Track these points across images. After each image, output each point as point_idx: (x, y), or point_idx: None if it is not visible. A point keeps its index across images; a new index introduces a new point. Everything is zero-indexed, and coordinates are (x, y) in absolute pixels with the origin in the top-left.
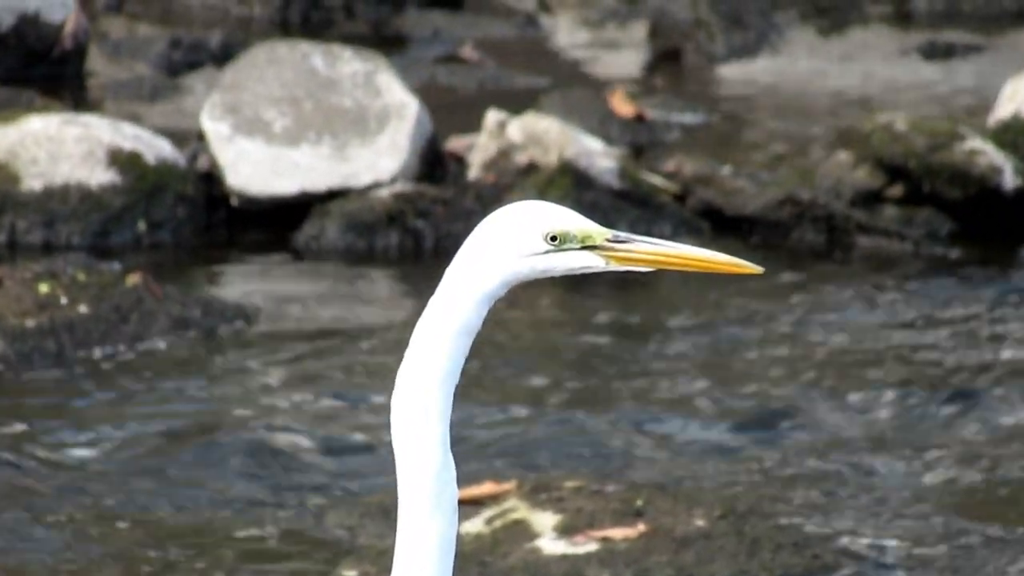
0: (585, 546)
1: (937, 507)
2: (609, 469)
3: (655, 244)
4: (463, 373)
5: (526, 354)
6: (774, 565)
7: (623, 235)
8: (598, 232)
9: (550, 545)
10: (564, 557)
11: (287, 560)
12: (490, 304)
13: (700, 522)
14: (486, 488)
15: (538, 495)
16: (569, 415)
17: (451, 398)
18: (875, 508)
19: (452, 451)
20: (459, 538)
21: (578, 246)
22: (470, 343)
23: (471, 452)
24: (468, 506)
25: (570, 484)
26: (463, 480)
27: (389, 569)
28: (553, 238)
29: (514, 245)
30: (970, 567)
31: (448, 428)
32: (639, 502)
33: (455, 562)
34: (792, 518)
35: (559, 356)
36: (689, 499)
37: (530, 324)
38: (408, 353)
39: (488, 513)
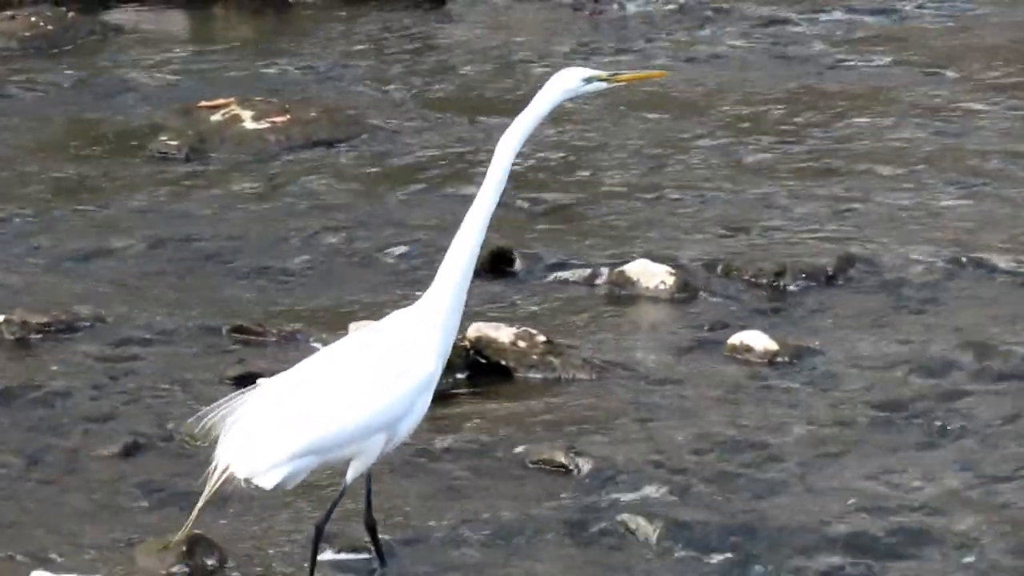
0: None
1: None
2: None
3: (627, 73)
4: None
5: None
6: None
7: (614, 72)
8: (605, 73)
9: (249, 124)
10: (256, 129)
11: None
12: (552, 108)
13: None
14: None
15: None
16: None
17: (522, 143)
18: None
19: None
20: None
21: (596, 80)
22: (538, 123)
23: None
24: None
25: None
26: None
27: None
28: (587, 79)
29: (568, 82)
30: None
31: (516, 154)
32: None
33: None
34: None
35: None
36: None
37: None
38: (513, 122)
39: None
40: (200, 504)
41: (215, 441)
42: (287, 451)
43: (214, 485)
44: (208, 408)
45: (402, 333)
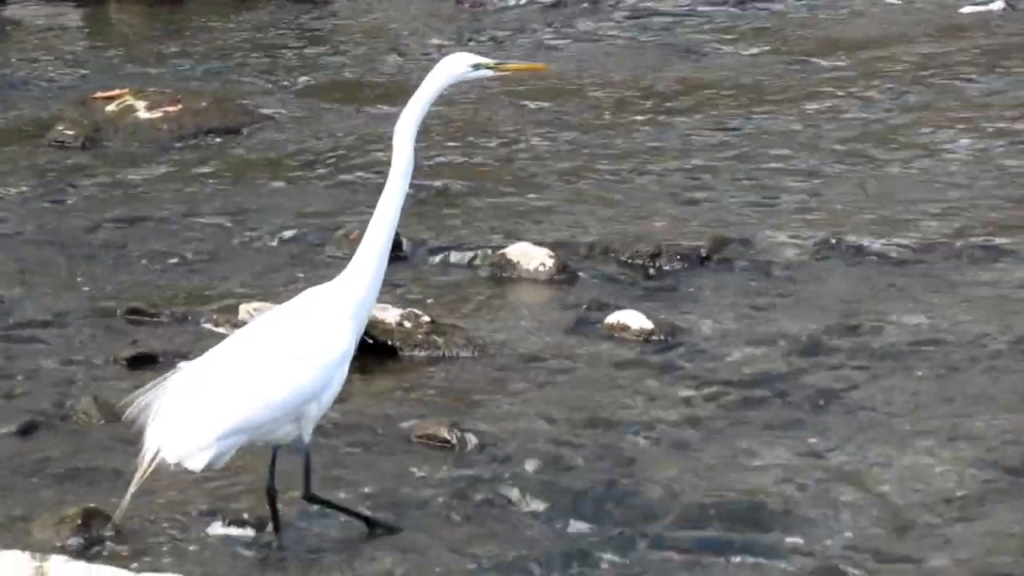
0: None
1: None
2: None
3: (513, 63)
4: None
5: None
6: None
7: (500, 61)
8: (492, 61)
9: (143, 113)
10: (150, 119)
11: None
12: (440, 92)
13: None
14: (114, 92)
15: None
16: None
17: (417, 128)
18: None
19: None
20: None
21: (483, 68)
22: (428, 107)
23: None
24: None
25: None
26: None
27: None
28: (475, 66)
29: (456, 68)
30: None
31: (414, 139)
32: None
33: None
34: None
35: None
36: None
37: None
38: (404, 110)
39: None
40: (132, 490)
41: (143, 427)
42: (214, 433)
43: (145, 470)
44: (135, 394)
45: (319, 311)
